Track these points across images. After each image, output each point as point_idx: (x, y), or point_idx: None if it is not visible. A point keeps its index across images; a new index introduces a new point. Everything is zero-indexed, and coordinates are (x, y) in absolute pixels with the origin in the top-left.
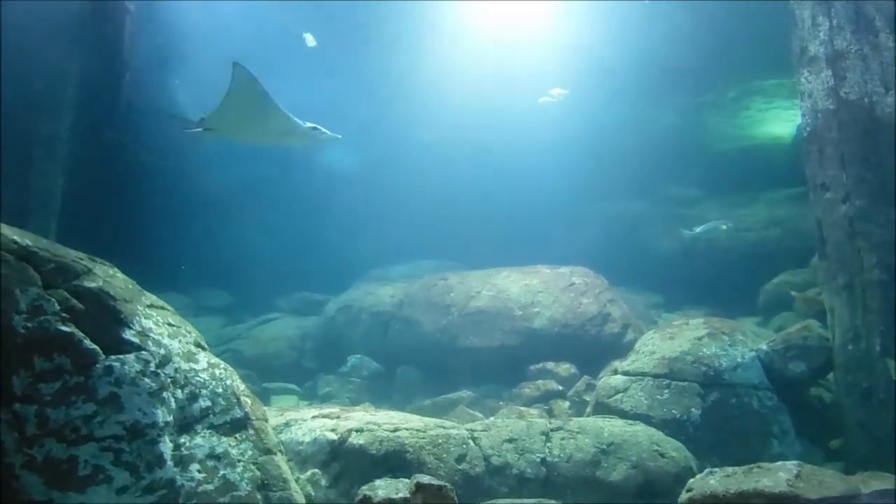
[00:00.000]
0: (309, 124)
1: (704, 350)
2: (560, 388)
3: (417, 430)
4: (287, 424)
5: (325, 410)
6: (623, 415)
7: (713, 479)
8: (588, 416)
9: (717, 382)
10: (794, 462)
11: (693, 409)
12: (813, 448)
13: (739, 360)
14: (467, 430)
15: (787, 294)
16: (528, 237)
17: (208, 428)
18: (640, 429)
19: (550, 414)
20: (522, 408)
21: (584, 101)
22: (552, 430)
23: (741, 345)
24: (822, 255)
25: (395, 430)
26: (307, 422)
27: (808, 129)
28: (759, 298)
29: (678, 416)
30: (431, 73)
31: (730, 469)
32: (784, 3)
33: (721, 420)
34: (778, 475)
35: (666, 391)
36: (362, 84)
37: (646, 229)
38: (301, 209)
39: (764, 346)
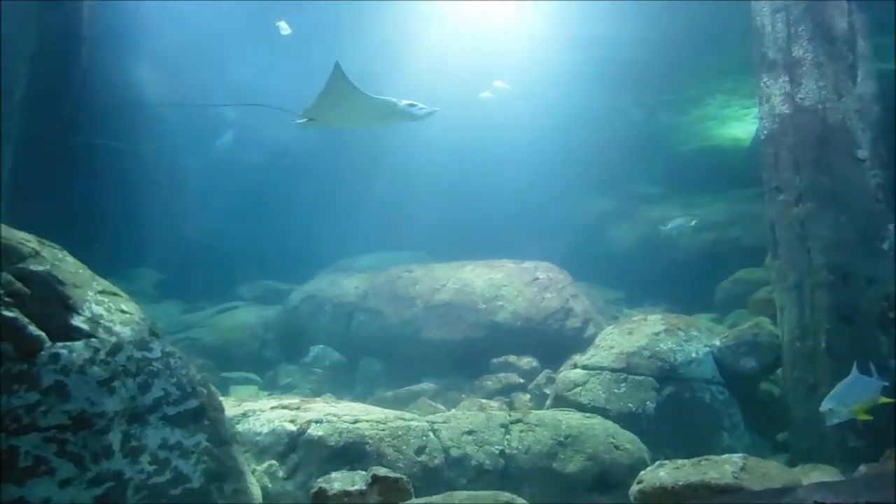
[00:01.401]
0: (405, 101)
1: (661, 345)
2: (521, 381)
3: (378, 422)
4: (245, 415)
5: (285, 401)
6: (581, 408)
7: (663, 472)
8: (548, 408)
9: (672, 377)
10: (740, 455)
11: (648, 403)
12: (761, 440)
13: (694, 355)
14: (428, 422)
15: (743, 291)
16: (494, 231)
17: (161, 418)
18: (596, 422)
19: (511, 407)
20: (484, 400)
21: (552, 98)
22: (511, 423)
23: (696, 341)
24: (774, 255)
25: (356, 421)
26: (265, 412)
27: (765, 132)
28: (716, 295)
29: (634, 409)
30: (400, 63)
31: (679, 461)
32: (746, 9)
33: (675, 413)
34: (724, 467)
35: (623, 385)
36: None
37: (609, 226)
38: (266, 197)
39: (717, 342)
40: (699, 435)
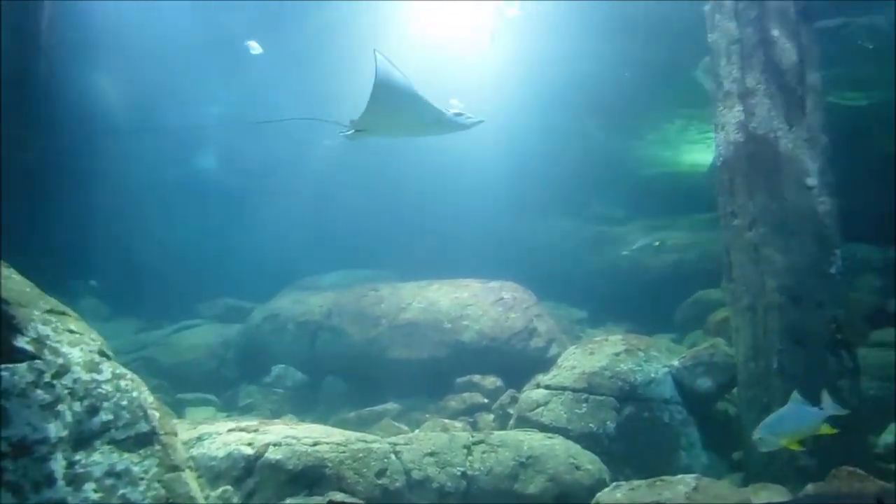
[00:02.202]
0: (453, 110)
1: (621, 366)
2: (485, 401)
3: (338, 444)
4: (200, 438)
5: (243, 423)
6: (543, 428)
7: (619, 493)
8: (511, 429)
9: (631, 397)
10: (694, 475)
11: (609, 423)
12: (717, 459)
13: (653, 375)
14: (390, 443)
15: (701, 312)
16: (461, 250)
17: (109, 444)
18: (558, 442)
19: (475, 427)
20: (447, 421)
21: (517, 120)
22: (474, 444)
23: (655, 361)
24: (728, 278)
25: (315, 444)
26: (222, 435)
27: (721, 159)
28: (676, 316)
29: (595, 429)
30: (358, 83)
31: (635, 482)
32: (703, 38)
33: (634, 433)
34: (678, 488)
35: (584, 405)
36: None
37: (574, 246)
38: (231, 213)
39: (675, 363)
40: (658, 454)
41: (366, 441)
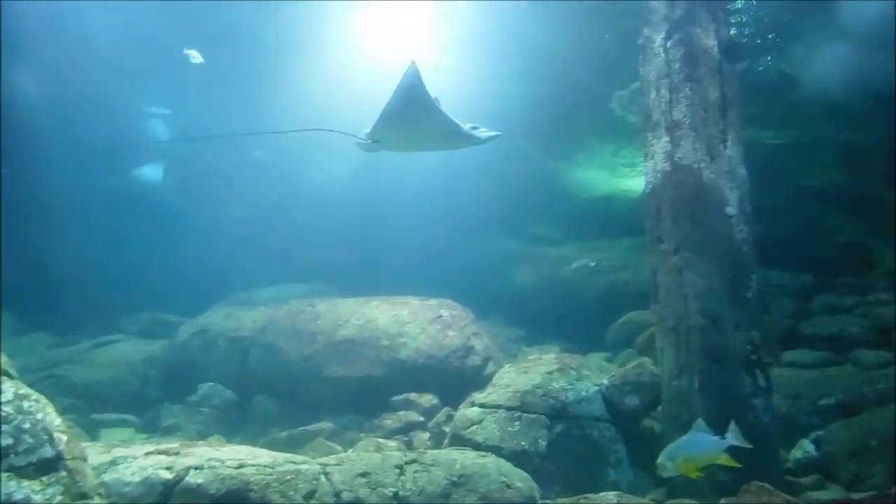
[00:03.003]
0: (469, 124)
1: (554, 384)
2: (421, 419)
3: (265, 466)
4: (113, 462)
5: (163, 446)
6: (477, 446)
7: None
8: (445, 447)
9: (563, 415)
10: (615, 493)
11: (540, 441)
12: (643, 475)
13: (584, 393)
14: (320, 464)
15: (632, 332)
16: (402, 267)
17: (7, 470)
18: (490, 460)
19: (410, 446)
20: (382, 440)
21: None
22: (406, 463)
23: (587, 379)
24: (655, 300)
25: (240, 466)
26: (138, 459)
27: (649, 186)
28: (608, 336)
29: (526, 447)
30: (305, 99)
31: (560, 500)
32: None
33: (565, 450)
34: None
35: (517, 423)
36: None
37: (512, 266)
38: (159, 224)
39: (605, 381)
40: (587, 471)
41: (294, 462)
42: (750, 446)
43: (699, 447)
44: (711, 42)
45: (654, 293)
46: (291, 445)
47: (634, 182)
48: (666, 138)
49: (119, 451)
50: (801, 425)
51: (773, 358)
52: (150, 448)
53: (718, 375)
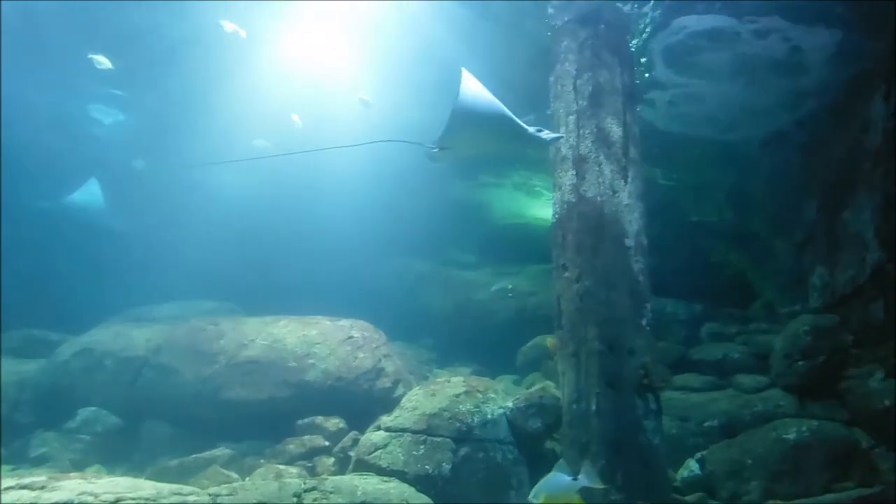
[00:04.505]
0: (532, 127)
1: (461, 407)
2: (327, 443)
3: (146, 499)
4: None
5: (28, 479)
6: (381, 471)
7: None
8: (349, 472)
9: (468, 438)
10: None
11: (444, 465)
12: None
13: (489, 416)
14: (210, 494)
15: (539, 355)
16: (315, 287)
17: None
18: (393, 486)
19: (313, 472)
20: (283, 466)
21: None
22: (305, 491)
23: (492, 402)
24: (558, 326)
25: (117, 500)
26: None
27: (556, 216)
28: (517, 359)
29: (430, 471)
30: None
31: None
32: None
33: (468, 474)
34: None
35: (422, 447)
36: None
37: (427, 288)
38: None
39: (510, 404)
40: (490, 494)
41: (181, 494)
42: (602, 486)
43: (556, 486)
44: (617, 83)
45: (557, 319)
46: (183, 474)
47: (545, 210)
48: (572, 171)
49: None
50: (688, 446)
51: (663, 382)
52: (12, 482)
53: (613, 399)
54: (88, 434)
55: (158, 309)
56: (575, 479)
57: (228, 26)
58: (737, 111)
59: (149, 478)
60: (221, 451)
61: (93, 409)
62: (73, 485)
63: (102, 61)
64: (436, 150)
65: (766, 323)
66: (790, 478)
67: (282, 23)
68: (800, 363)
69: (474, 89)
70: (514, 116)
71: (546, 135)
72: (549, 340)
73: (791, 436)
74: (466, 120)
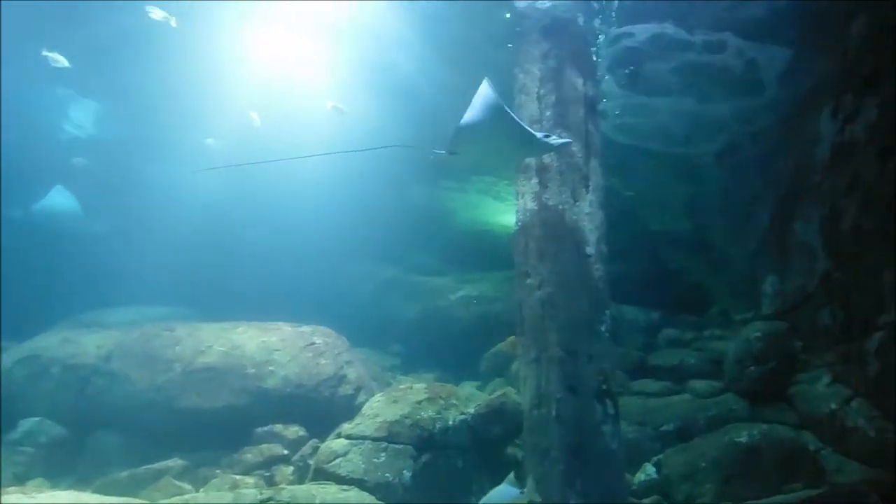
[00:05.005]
0: (540, 134)
1: (422, 413)
2: (286, 452)
3: None
4: None
5: None
6: (340, 480)
7: None
8: (308, 482)
9: (429, 445)
10: None
11: (405, 472)
12: None
13: (451, 423)
14: None
15: (502, 362)
16: (277, 293)
17: None
18: (352, 495)
19: (271, 481)
20: (239, 476)
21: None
22: (261, 502)
23: (454, 409)
24: (520, 332)
25: None
26: None
27: (519, 223)
28: (481, 365)
29: (391, 479)
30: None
31: None
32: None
33: (429, 481)
34: None
35: (383, 454)
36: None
37: (391, 294)
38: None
39: (471, 410)
40: (450, 500)
41: None
42: (539, 501)
43: (504, 498)
44: (579, 94)
45: (519, 325)
46: (133, 487)
47: (509, 217)
48: (535, 179)
49: None
50: (644, 450)
51: (621, 388)
52: None
53: (573, 404)
54: (31, 446)
55: (110, 314)
56: (522, 492)
57: (156, 13)
58: (691, 124)
59: (96, 491)
60: (175, 462)
61: (37, 419)
62: (11, 499)
63: (58, 59)
64: (443, 153)
65: (721, 329)
66: (742, 480)
67: (243, 21)
68: (751, 368)
69: (487, 97)
70: (523, 124)
71: (554, 140)
72: (510, 339)
73: (743, 439)
74: (479, 128)
